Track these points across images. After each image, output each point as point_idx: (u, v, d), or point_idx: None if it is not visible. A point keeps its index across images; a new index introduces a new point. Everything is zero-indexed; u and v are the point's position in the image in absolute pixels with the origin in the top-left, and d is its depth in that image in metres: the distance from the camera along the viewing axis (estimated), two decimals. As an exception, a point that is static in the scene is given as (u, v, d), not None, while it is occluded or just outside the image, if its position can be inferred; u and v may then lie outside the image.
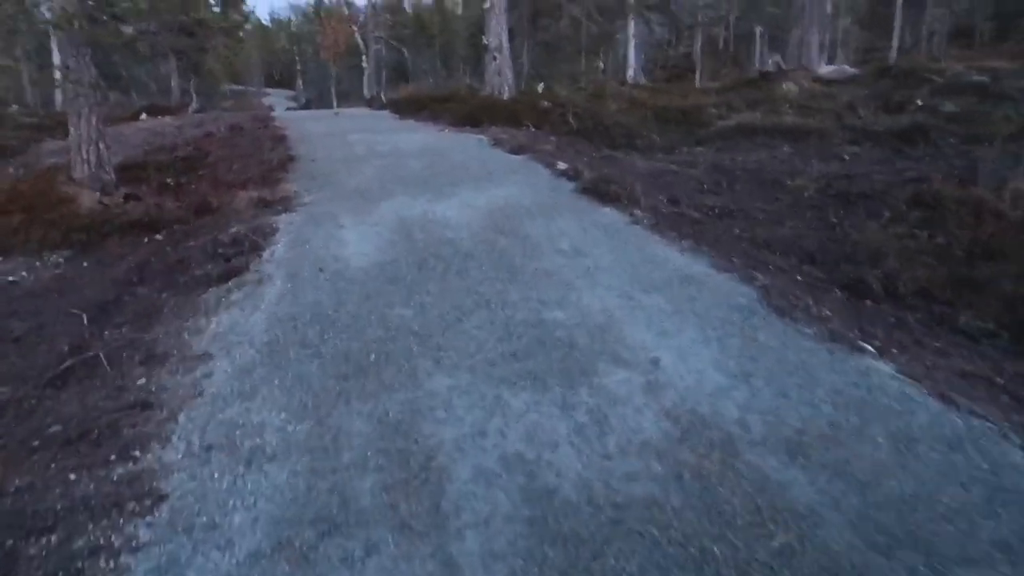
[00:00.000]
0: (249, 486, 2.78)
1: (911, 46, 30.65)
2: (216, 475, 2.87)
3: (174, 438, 3.21)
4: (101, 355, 4.40)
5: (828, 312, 4.22)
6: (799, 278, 5.51)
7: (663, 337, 3.86)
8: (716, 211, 7.64)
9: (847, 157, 10.97)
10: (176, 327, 4.69)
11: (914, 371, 3.49)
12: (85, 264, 7.15)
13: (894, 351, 3.82)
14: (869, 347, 3.69)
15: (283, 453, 2.96)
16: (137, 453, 3.16)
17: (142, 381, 3.96)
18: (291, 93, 51.25)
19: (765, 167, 10.43)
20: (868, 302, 5.28)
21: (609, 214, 6.51)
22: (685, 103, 15.31)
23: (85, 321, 5.21)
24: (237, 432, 3.15)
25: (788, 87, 15.33)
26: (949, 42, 35.50)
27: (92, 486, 2.96)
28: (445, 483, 2.73)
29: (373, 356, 3.81)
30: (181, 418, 3.38)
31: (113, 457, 3.16)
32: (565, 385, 3.40)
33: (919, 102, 14.29)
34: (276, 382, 3.58)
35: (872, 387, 3.24)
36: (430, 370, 3.63)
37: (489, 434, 3.02)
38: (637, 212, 6.55)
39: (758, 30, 34.10)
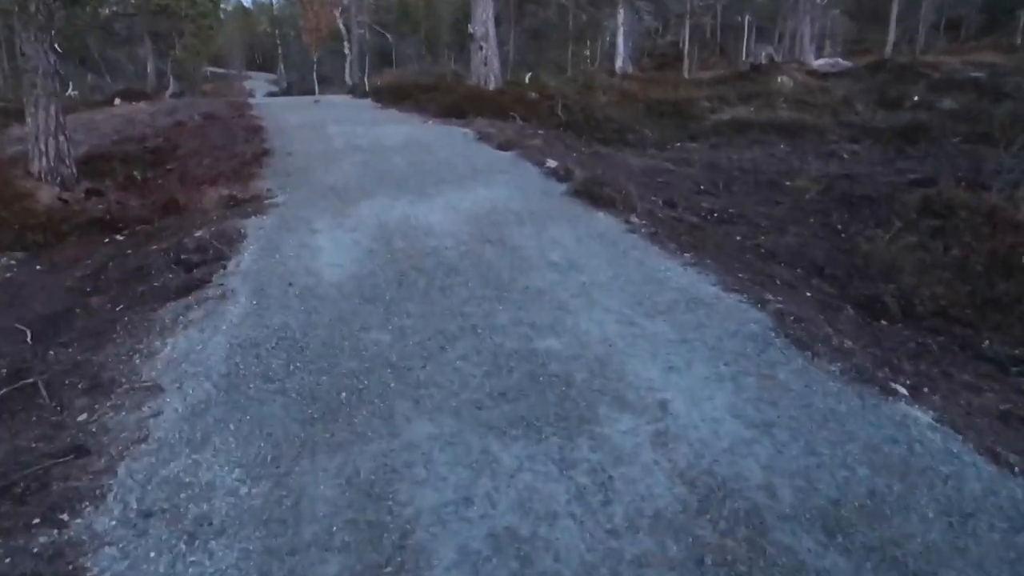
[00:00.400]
0: (189, 571, 2.33)
1: (899, 38, 30.33)
2: (152, 553, 2.43)
3: (109, 498, 2.76)
4: (40, 383, 3.93)
5: (850, 343, 3.82)
6: (809, 294, 5.13)
7: (671, 373, 3.44)
8: (715, 215, 7.25)
9: (846, 156, 10.61)
10: (128, 348, 4.22)
11: (953, 418, 3.10)
12: (38, 267, 6.63)
13: (925, 390, 3.44)
14: (901, 389, 3.29)
15: (233, 525, 2.52)
16: (65, 516, 2.71)
17: (83, 417, 3.50)
18: (272, 77, 50.25)
19: (761, 166, 10.05)
20: (884, 322, 4.91)
21: (604, 220, 6.08)
22: (677, 96, 14.90)
23: (29, 338, 4.73)
24: (182, 495, 2.70)
25: (782, 80, 14.94)
26: (937, 35, 35.30)
27: (7, 560, 2.51)
28: (423, 570, 2.30)
29: (344, 394, 3.37)
30: (120, 470, 2.93)
31: (37, 521, 2.70)
32: (562, 435, 2.98)
33: (916, 98, 13.98)
34: (232, 427, 3.13)
35: (912, 442, 2.85)
36: (409, 413, 3.19)
37: (476, 501, 2.59)
38: (634, 218, 6.12)
39: (747, 20, 33.68)
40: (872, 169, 9.68)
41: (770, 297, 4.44)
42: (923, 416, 3.06)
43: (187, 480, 2.78)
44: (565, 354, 3.68)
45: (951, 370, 3.98)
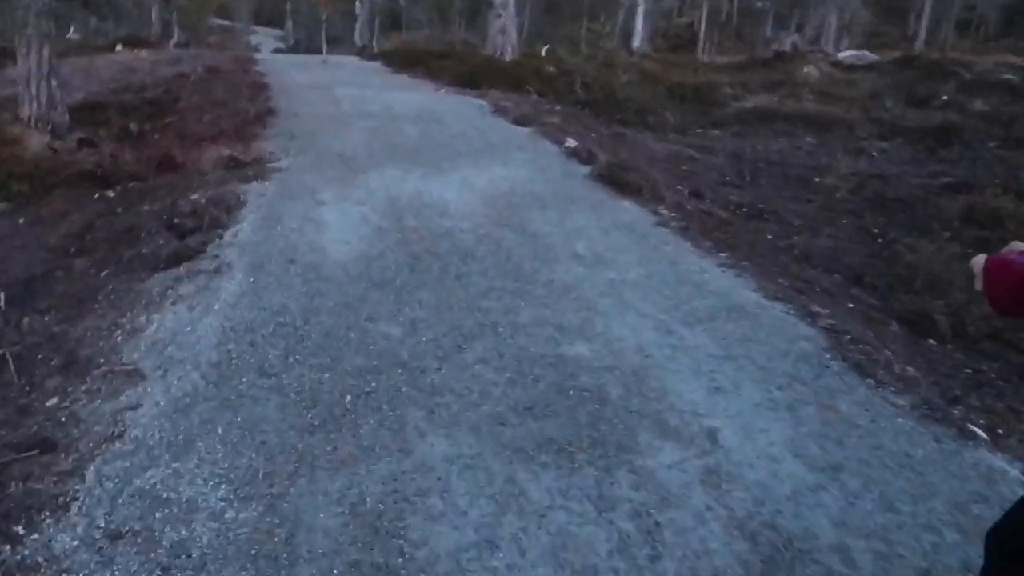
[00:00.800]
0: (160, 618, 1.96)
1: (918, 33, 29.59)
2: (117, 590, 2.05)
3: (74, 509, 2.37)
4: (9, 356, 3.53)
5: (913, 370, 3.44)
6: (851, 305, 4.74)
7: (718, 396, 3.06)
8: (744, 210, 6.83)
9: (875, 154, 10.17)
10: (109, 322, 3.83)
11: (1041, 470, 2.73)
12: (22, 221, 6.20)
13: (1000, 431, 3.06)
14: (980, 432, 2.92)
15: (216, 559, 2.13)
16: (20, 529, 2.32)
17: (53, 402, 3.11)
18: (279, 33, 49.15)
19: (788, 159, 9.60)
20: (932, 342, 4.53)
21: (630, 210, 5.66)
22: (697, 80, 14.37)
23: (3, 302, 4.32)
24: (158, 513, 2.31)
25: (809, 70, 14.42)
26: (957, 33, 34.52)
27: (-53, 585, 2.13)
28: (441, 634, 1.92)
29: (349, 398, 2.97)
30: (89, 475, 2.54)
31: (-12, 534, 2.32)
32: (598, 465, 2.60)
33: (945, 97, 13.49)
34: (220, 431, 2.74)
35: (1004, 502, 2.47)
36: (422, 425, 2.80)
37: (502, 545, 2.21)
38: (662, 210, 5.71)
39: (768, 6, 32.91)
40: (903, 169, 9.25)
41: (818, 310, 4.05)
42: (1011, 469, 2.68)
43: (164, 495, 2.39)
44: (596, 364, 3.29)
45: (1017, 405, 3.60)
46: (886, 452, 2.70)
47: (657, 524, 2.31)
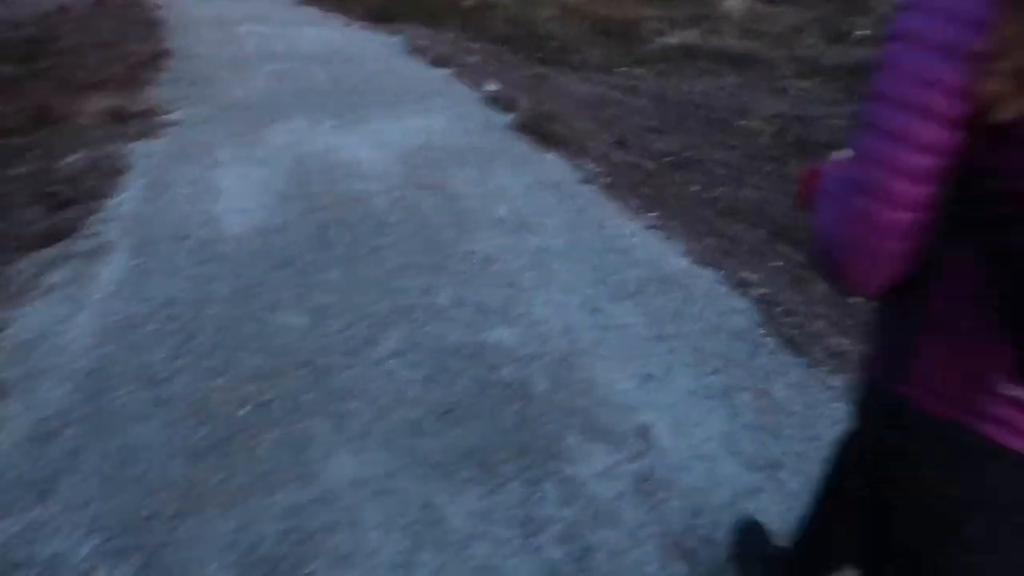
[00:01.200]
0: None
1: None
2: None
3: (-88, 572, 2.01)
4: None
5: (846, 342, 3.32)
6: (780, 263, 4.62)
7: (649, 385, 2.87)
8: (670, 159, 6.62)
9: (796, 94, 10.09)
10: (-30, 318, 3.35)
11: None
12: None
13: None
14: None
15: (82, 632, 1.83)
16: None
17: (-102, 426, 2.68)
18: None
19: (712, 100, 9.40)
20: (859, 299, 4.49)
21: (554, 164, 5.37)
22: (624, 15, 13.95)
23: None
24: (12, 577, 1.98)
25: (731, 4, 14.17)
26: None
27: None
28: None
29: (244, 410, 2.65)
30: (-67, 524, 2.17)
31: None
32: (524, 478, 2.38)
33: (866, 32, 13.49)
34: (91, 463, 2.38)
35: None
36: (328, 441, 2.52)
37: (417, 589, 1.98)
38: (588, 164, 5.43)
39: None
40: (824, 111, 9.18)
41: (749, 276, 3.89)
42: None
43: (23, 553, 2.05)
44: (521, 352, 3.05)
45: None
46: (823, 444, 2.57)
47: (587, 549, 2.12)
